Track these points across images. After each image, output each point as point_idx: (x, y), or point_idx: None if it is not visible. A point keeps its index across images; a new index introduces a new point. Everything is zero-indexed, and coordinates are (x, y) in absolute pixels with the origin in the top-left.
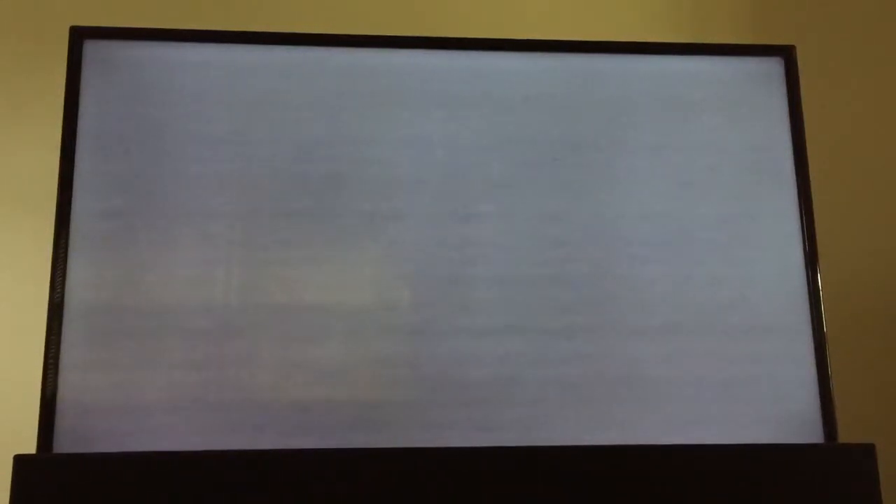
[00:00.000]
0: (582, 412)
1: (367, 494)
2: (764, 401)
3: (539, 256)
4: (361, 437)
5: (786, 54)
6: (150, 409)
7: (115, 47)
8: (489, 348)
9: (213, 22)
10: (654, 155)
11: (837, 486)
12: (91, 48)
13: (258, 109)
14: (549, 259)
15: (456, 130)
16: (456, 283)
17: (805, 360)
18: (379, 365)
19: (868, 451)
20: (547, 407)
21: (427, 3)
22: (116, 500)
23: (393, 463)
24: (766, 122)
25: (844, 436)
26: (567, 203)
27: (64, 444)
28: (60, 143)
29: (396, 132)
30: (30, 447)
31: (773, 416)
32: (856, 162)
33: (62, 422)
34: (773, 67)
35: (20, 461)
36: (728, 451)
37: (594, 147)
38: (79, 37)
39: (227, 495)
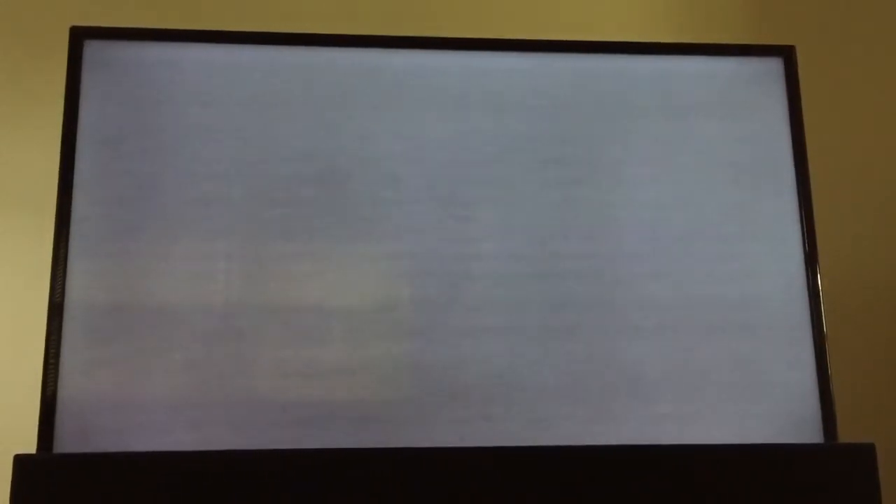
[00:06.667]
0: (582, 412)
1: (367, 494)
2: (764, 401)
3: (539, 256)
4: (361, 437)
5: (786, 54)
6: (151, 408)
7: (115, 47)
8: (489, 348)
9: (213, 22)
10: (654, 154)
11: (837, 486)
12: (91, 48)
13: (258, 109)
14: (548, 259)
15: (456, 130)
16: (456, 282)
17: (805, 359)
18: (379, 365)
19: (868, 451)
20: (547, 407)
21: (427, 3)
22: (116, 500)
23: (393, 463)
24: (766, 122)
25: (844, 436)
26: (567, 203)
27: (64, 444)
28: (60, 143)
29: (396, 132)
30: (30, 447)
31: (773, 416)
32: (856, 162)
33: (62, 422)
34: (773, 67)
35: (20, 461)
36: (728, 451)
37: (594, 147)
38: (79, 37)
39: (227, 495)
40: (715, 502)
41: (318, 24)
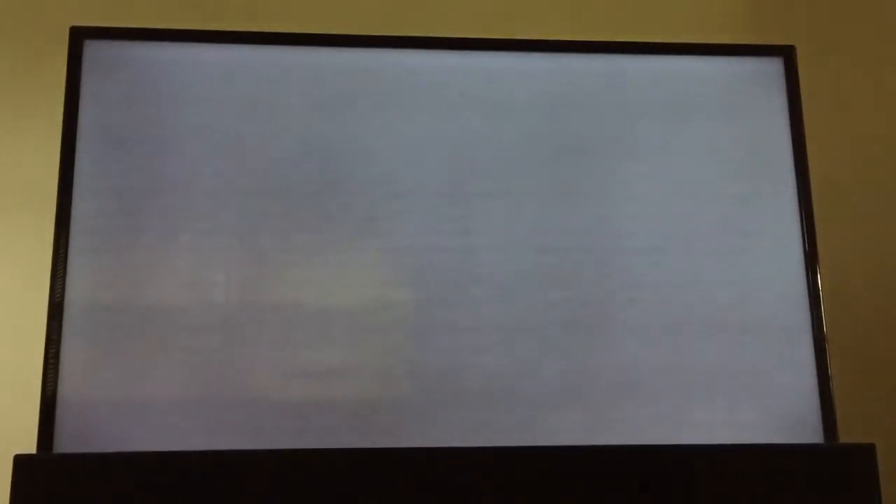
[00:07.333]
0: (582, 412)
1: (367, 494)
2: (764, 401)
3: (538, 256)
4: (361, 437)
5: (786, 54)
6: (150, 408)
7: (115, 47)
8: (489, 349)
9: (213, 22)
10: (654, 155)
11: (837, 486)
12: (91, 48)
13: (258, 109)
14: (548, 259)
15: (455, 130)
16: (455, 283)
17: (805, 360)
18: (379, 365)
19: (868, 451)
20: (547, 407)
21: (427, 3)
22: (116, 500)
23: (393, 463)
24: (765, 122)
25: (844, 436)
26: (567, 203)
27: (64, 444)
28: (60, 143)
29: (396, 132)
30: (30, 447)
31: (773, 416)
32: (856, 162)
33: (62, 422)
34: (773, 67)
35: (20, 461)
36: (728, 451)
37: (594, 147)
38: (79, 37)
39: (227, 495)
40: (715, 502)
41: (318, 24)
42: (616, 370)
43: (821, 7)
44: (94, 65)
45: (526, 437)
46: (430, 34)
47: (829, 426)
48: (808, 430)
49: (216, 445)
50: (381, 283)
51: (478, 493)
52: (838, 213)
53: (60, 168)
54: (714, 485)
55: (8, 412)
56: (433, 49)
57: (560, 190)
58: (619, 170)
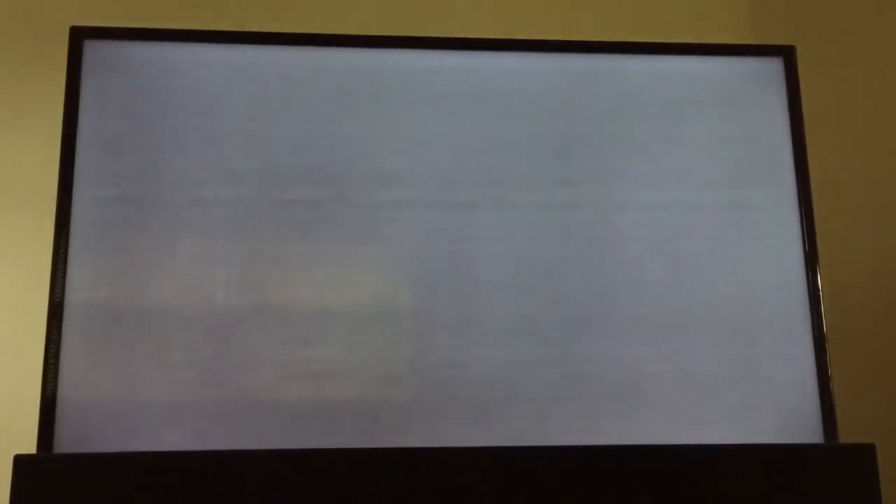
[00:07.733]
0: (582, 412)
1: (367, 494)
2: (764, 401)
3: (539, 256)
4: (361, 437)
5: (786, 54)
6: (150, 408)
7: (115, 47)
8: (489, 348)
9: (213, 22)
10: (654, 155)
11: (837, 486)
12: (91, 48)
13: (258, 109)
14: (548, 259)
15: (456, 130)
16: (455, 282)
17: (805, 359)
18: (379, 365)
19: (868, 451)
20: (546, 407)
21: (427, 3)
22: (116, 500)
23: (393, 463)
24: (765, 121)
25: (844, 436)
26: (566, 204)
27: (64, 444)
28: (60, 143)
29: (396, 132)
30: (30, 447)
31: (773, 416)
32: (855, 162)
33: (62, 422)
34: (773, 67)
35: (20, 461)
36: (728, 450)
37: (594, 147)
38: (79, 37)
39: (227, 495)
40: (715, 502)
41: (318, 24)
42: (616, 370)
43: (821, 7)
44: (94, 65)
45: (526, 437)
46: (430, 34)
47: (829, 426)
48: (808, 430)
49: (216, 445)
50: (381, 283)
51: (478, 493)
52: (838, 213)
53: (60, 168)
54: (714, 485)
55: (8, 412)
56: (433, 49)
57: (560, 190)
58: (618, 170)
